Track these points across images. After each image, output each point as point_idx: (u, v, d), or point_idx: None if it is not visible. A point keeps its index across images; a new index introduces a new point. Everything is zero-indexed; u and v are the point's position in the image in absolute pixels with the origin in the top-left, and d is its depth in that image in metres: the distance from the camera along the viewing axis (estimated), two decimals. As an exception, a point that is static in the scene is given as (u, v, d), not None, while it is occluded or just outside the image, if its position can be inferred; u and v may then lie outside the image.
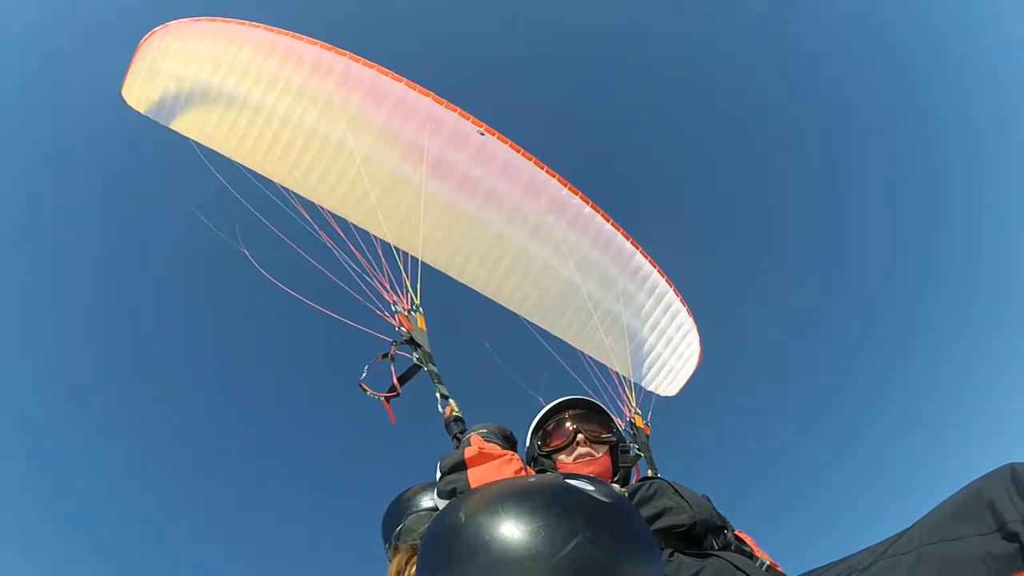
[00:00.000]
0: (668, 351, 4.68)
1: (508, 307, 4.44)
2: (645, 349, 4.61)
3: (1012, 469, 1.26)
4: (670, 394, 4.89)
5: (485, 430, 2.28)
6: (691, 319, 4.78)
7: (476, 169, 4.13)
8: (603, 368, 4.34)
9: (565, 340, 4.53)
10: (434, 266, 4.34)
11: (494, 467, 1.89)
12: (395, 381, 3.06)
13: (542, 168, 4.25)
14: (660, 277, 4.60)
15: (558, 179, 4.28)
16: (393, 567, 2.55)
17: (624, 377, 4.22)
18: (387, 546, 2.78)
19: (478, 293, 4.57)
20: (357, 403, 2.98)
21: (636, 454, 3.49)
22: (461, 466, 1.92)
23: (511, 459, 1.94)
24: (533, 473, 2.00)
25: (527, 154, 4.22)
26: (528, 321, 4.52)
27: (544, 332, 4.54)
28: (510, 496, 1.24)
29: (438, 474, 2.01)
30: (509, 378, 4.19)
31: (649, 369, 4.67)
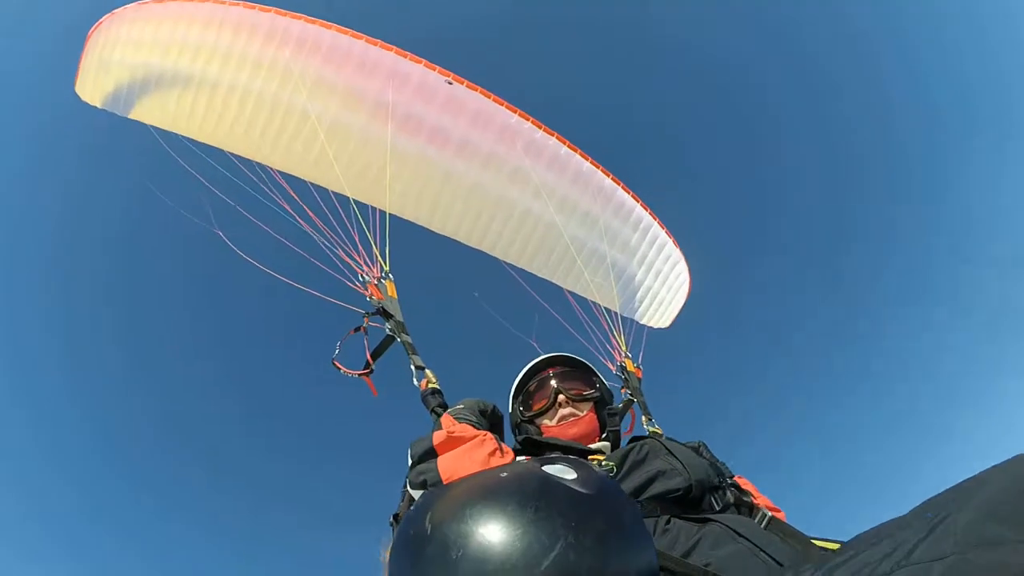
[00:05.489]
0: (658, 283, 4.67)
1: (492, 253, 4.39)
2: (635, 283, 4.60)
3: None
4: (663, 326, 4.89)
5: (462, 405, 2.16)
6: (678, 250, 4.78)
7: (447, 119, 4.06)
8: (591, 312, 4.27)
9: (553, 281, 4.50)
10: (415, 222, 4.29)
11: (464, 453, 1.73)
12: (368, 356, 2.92)
13: (515, 112, 4.19)
14: (644, 211, 4.57)
15: (532, 122, 4.22)
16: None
17: (616, 315, 4.18)
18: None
19: (456, 248, 4.49)
20: (333, 377, 2.86)
21: (628, 399, 3.40)
22: (431, 454, 1.76)
23: (483, 440, 1.79)
24: (509, 452, 1.82)
25: (498, 99, 4.16)
26: (514, 266, 4.48)
27: (531, 277, 4.50)
28: (480, 498, 1.13)
29: (409, 460, 1.86)
30: (502, 327, 4.16)
31: (640, 302, 4.66)
